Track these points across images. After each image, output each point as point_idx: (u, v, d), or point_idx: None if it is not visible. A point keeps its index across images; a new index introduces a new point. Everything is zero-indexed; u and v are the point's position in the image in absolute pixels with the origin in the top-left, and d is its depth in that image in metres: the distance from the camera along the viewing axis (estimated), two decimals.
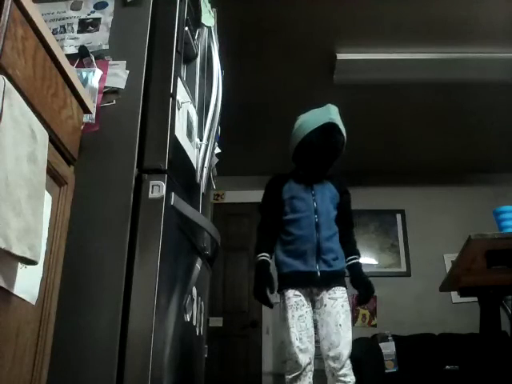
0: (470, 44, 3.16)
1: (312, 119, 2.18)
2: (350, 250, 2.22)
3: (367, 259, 4.65)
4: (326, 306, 2.04)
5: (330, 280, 2.07)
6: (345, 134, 2.19)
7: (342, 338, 1.96)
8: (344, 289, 2.09)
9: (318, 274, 2.06)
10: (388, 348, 3.93)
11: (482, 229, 2.21)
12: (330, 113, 2.14)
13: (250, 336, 4.58)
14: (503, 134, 4.19)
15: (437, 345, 4.01)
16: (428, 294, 4.31)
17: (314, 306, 2.11)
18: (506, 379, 2.32)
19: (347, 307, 2.06)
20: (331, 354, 1.94)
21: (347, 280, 2.17)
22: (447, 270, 3.75)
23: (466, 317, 3.72)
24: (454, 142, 4.40)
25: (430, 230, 4.81)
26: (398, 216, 4.97)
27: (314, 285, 2.07)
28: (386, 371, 3.81)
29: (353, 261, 2.20)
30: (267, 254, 2.17)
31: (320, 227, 2.11)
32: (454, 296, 4.18)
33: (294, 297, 2.05)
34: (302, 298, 2.05)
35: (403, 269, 4.78)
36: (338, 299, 2.04)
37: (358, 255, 2.24)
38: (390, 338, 3.99)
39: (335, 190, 2.24)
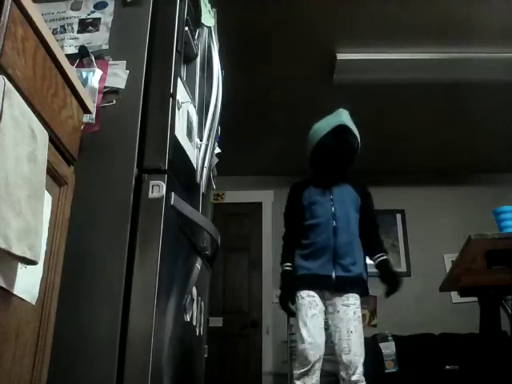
0: (470, 44, 3.16)
1: (324, 124, 2.23)
2: (377, 248, 2.27)
3: (367, 259, 4.65)
4: (338, 312, 2.09)
5: (345, 286, 2.12)
6: (358, 136, 2.23)
7: (353, 344, 2.01)
8: (357, 296, 2.14)
9: (334, 278, 2.10)
10: (388, 348, 3.93)
11: (482, 229, 2.21)
12: (341, 116, 2.21)
13: (250, 336, 4.58)
14: (503, 134, 4.20)
15: (437, 345, 4.01)
16: (428, 294, 4.31)
17: (326, 311, 2.14)
18: (506, 379, 2.32)
19: (359, 314, 2.11)
20: (343, 360, 2.01)
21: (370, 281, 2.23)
22: (447, 270, 3.75)
23: (466, 317, 3.72)
24: (454, 142, 4.40)
25: (430, 230, 4.81)
26: (398, 216, 4.97)
27: (328, 289, 2.12)
28: (386, 371, 3.81)
29: (380, 258, 2.24)
30: (291, 264, 2.23)
31: (337, 232, 2.15)
32: (454, 296, 4.18)
33: (308, 297, 2.10)
34: (316, 298, 2.10)
35: (403, 269, 4.77)
36: (350, 306, 2.09)
37: (386, 252, 2.28)
38: (390, 338, 3.99)
39: (355, 193, 2.28)
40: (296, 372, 2.03)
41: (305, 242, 2.20)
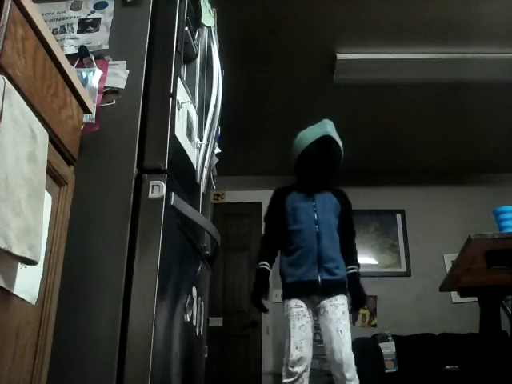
0: (470, 44, 3.16)
1: (309, 134, 2.30)
2: (350, 259, 2.32)
3: (367, 259, 4.65)
4: (327, 312, 2.15)
5: (331, 289, 2.18)
6: (341, 146, 2.30)
7: (343, 344, 2.07)
8: (345, 296, 2.21)
9: (319, 282, 2.16)
10: (388, 348, 3.93)
11: (482, 229, 2.21)
12: (326, 127, 2.27)
13: (250, 336, 4.58)
14: (503, 134, 4.19)
15: (437, 345, 4.01)
16: (428, 294, 4.31)
17: (316, 313, 2.21)
18: (506, 379, 2.32)
19: (347, 313, 2.17)
20: (335, 360, 2.06)
21: None
22: (447, 270, 3.75)
23: (466, 317, 3.72)
24: (454, 142, 4.39)
25: (430, 230, 4.81)
26: (398, 216, 4.96)
27: (315, 293, 2.18)
28: (386, 371, 3.81)
29: (351, 271, 2.30)
30: (267, 263, 2.29)
31: (320, 237, 2.21)
32: (454, 296, 4.18)
33: (296, 307, 2.17)
34: (304, 308, 2.17)
35: (403, 269, 4.77)
36: (338, 306, 2.15)
37: (358, 266, 2.35)
38: (389, 338, 3.99)
39: (336, 201, 2.35)
40: (284, 381, 2.10)
41: (290, 248, 2.26)
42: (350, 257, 2.33)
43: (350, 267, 2.30)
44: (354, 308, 2.31)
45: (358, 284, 2.29)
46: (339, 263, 2.23)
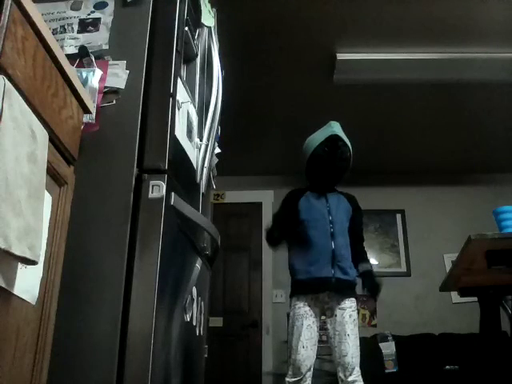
0: (470, 44, 3.16)
1: (317, 136, 2.33)
2: (362, 260, 2.33)
3: None
4: (336, 316, 2.16)
5: (343, 289, 2.18)
6: (350, 146, 2.31)
7: (351, 347, 2.09)
8: (353, 299, 2.21)
9: (333, 279, 2.16)
10: (388, 348, 3.93)
11: (482, 229, 2.21)
12: (333, 127, 2.30)
13: (250, 336, 4.58)
14: (503, 134, 4.19)
15: (437, 345, 4.01)
16: (428, 294, 4.32)
17: (323, 314, 2.22)
18: (506, 379, 2.32)
19: (355, 316, 2.18)
20: (341, 362, 2.09)
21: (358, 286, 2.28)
22: (447, 270, 3.75)
23: (466, 317, 3.73)
24: (454, 142, 4.40)
25: (430, 230, 4.82)
26: (398, 216, 4.97)
27: (327, 290, 2.17)
28: (386, 371, 3.81)
29: (366, 268, 2.29)
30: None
31: (335, 236, 2.22)
32: (454, 296, 4.18)
33: (304, 306, 2.17)
34: (311, 308, 2.17)
35: (403, 269, 4.78)
36: (346, 309, 2.16)
37: (370, 266, 2.35)
38: (389, 338, 3.99)
39: (348, 204, 2.37)
40: (288, 380, 2.12)
41: (303, 246, 2.24)
42: (361, 258, 2.32)
43: (363, 265, 2.29)
44: (371, 295, 2.29)
45: (372, 274, 2.29)
46: (351, 263, 2.24)
